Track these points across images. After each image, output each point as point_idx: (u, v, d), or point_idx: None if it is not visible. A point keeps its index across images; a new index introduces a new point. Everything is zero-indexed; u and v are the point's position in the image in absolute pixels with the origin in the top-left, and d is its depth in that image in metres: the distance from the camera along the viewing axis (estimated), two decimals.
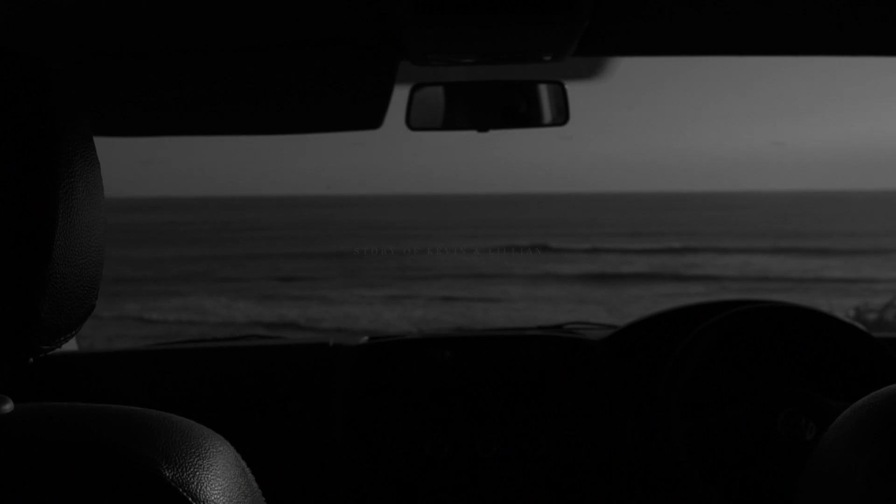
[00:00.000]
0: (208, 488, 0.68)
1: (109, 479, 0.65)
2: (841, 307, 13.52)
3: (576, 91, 1.81)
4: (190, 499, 0.66)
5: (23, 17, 1.38)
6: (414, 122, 1.74)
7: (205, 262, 29.31)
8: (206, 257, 30.59)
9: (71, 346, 2.13)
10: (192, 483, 0.67)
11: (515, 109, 1.76)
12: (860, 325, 1.87)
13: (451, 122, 1.76)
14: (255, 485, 0.77)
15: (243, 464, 0.77)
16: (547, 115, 1.77)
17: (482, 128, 1.78)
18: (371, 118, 1.73)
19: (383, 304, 20.55)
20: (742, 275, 24.91)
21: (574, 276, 24.95)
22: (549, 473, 1.96)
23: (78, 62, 1.59)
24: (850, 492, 0.69)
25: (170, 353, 2.10)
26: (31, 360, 0.72)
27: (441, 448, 1.94)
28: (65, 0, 1.31)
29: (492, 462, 1.95)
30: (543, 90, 1.75)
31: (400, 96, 1.71)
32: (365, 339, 2.09)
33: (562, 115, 1.76)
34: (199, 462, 0.70)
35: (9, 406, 0.71)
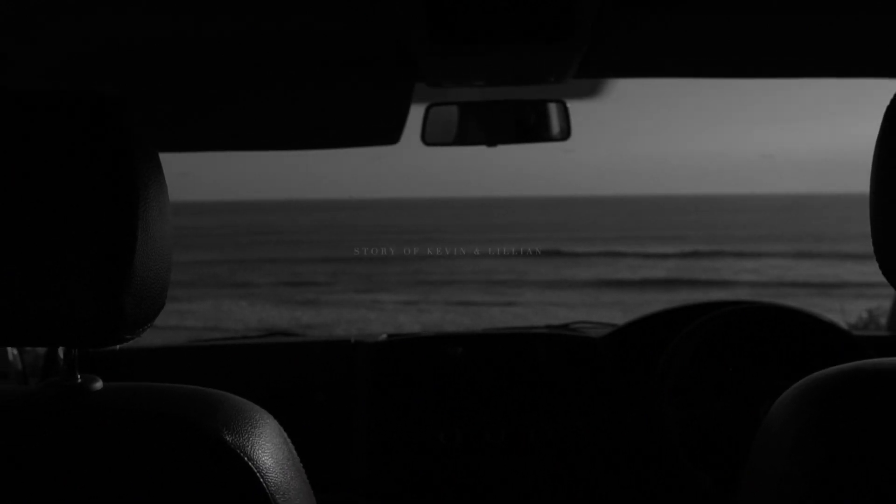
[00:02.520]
0: (260, 452, 0.82)
1: (183, 443, 0.80)
2: (854, 310, 13.48)
3: (578, 108, 1.96)
4: (246, 459, 0.80)
5: (65, 47, 1.51)
6: (428, 138, 1.87)
7: (225, 265, 29.48)
8: (226, 261, 30.76)
9: None
10: (248, 447, 0.81)
11: (521, 126, 1.89)
12: (840, 323, 2.01)
13: (462, 138, 1.89)
14: (294, 452, 0.91)
15: (285, 434, 0.90)
16: (550, 130, 1.89)
17: (491, 143, 1.90)
18: (389, 134, 1.84)
19: (399, 308, 20.66)
20: (758, 279, 24.83)
21: (587, 281, 24.95)
22: (553, 460, 2.09)
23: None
24: (780, 453, 0.81)
25: (201, 349, 2.23)
26: (118, 346, 0.88)
27: (454, 437, 2.08)
28: (108, 33, 1.44)
29: (500, 450, 2.08)
30: (547, 108, 1.87)
31: (416, 115, 1.84)
32: (384, 336, 2.22)
33: (564, 131, 1.90)
34: (252, 430, 0.84)
35: (99, 384, 0.87)
